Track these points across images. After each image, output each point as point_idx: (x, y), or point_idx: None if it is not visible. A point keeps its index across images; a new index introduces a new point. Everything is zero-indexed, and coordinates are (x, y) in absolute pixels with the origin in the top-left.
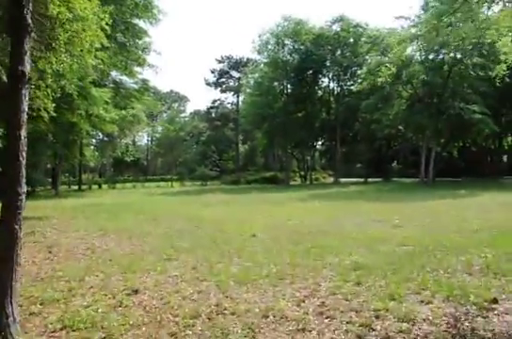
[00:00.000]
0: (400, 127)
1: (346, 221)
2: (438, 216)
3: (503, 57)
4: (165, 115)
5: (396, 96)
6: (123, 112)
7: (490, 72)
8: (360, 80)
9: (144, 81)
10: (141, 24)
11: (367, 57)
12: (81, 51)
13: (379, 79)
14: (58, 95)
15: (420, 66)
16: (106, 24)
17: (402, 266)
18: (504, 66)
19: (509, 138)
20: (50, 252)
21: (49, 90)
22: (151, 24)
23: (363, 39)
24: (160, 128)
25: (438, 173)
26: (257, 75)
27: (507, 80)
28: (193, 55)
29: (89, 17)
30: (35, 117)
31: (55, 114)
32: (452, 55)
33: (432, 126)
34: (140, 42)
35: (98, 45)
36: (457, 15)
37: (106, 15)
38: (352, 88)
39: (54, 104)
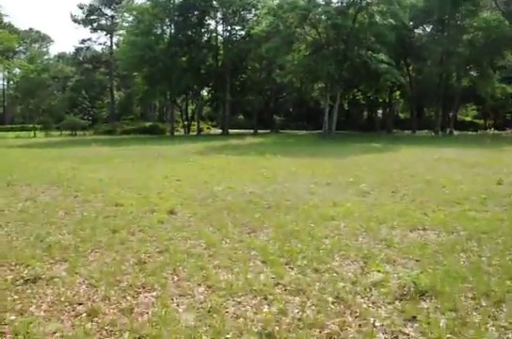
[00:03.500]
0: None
1: (290, 185)
2: (395, 176)
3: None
4: (23, 56)
5: (302, 40)
6: None
7: (394, 21)
8: (248, 25)
9: None
10: None
11: None
12: None
13: None
14: None
15: (327, 7)
16: None
17: (480, 282)
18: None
19: (397, 93)
20: None
21: None
22: None
23: None
24: (18, 71)
25: (320, 127)
26: (136, 12)
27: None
28: None
29: None
30: None
31: None
32: None
33: (337, 74)
34: None
35: None
36: None
37: None
38: (242, 32)
39: None
